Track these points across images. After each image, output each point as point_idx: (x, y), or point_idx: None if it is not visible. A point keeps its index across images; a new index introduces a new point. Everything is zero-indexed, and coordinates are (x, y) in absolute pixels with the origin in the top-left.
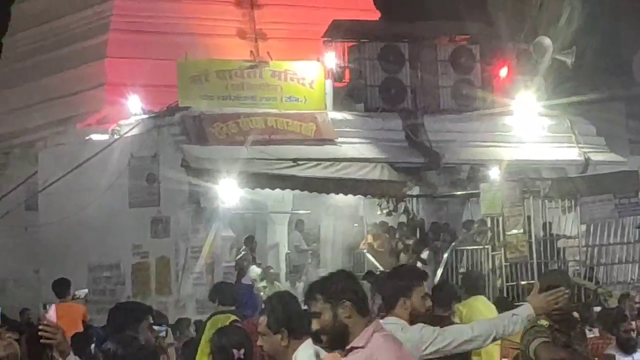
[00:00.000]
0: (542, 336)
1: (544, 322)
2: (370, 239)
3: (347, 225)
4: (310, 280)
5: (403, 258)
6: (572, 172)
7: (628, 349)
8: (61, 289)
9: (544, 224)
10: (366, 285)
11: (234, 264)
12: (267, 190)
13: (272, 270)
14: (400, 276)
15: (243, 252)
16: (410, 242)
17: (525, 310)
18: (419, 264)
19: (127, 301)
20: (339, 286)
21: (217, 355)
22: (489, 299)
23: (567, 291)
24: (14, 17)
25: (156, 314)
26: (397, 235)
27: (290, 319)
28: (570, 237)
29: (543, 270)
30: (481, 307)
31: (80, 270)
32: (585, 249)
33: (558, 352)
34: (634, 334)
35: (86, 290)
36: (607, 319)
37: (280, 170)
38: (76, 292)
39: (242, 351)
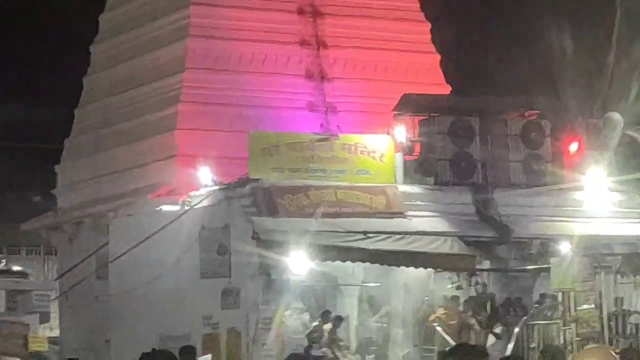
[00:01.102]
0: None
1: None
2: (440, 312)
3: (418, 299)
4: (381, 354)
5: (475, 332)
6: None
7: None
8: (187, 357)
9: (616, 299)
10: None
11: (305, 335)
12: (337, 262)
13: (342, 343)
14: (461, 354)
15: (315, 324)
16: (481, 316)
17: None
18: (491, 338)
19: None
20: None
21: None
22: None
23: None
24: (85, 89)
25: None
26: (467, 309)
27: None
28: None
29: (615, 346)
30: None
31: (151, 340)
32: None
33: None
34: None
35: (209, 356)
36: None
37: (350, 242)
38: (199, 359)
39: None
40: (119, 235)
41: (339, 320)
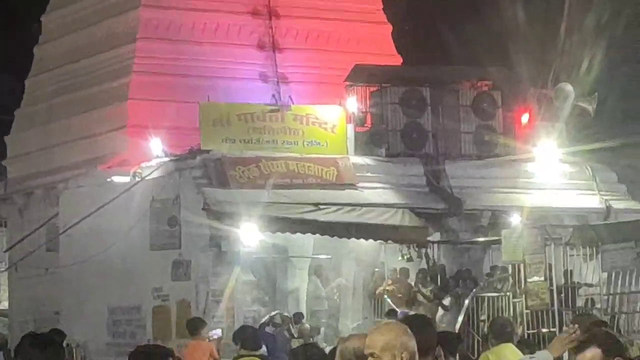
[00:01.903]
0: None
1: None
2: (389, 284)
3: (368, 271)
4: (331, 326)
5: (423, 305)
6: (593, 220)
7: None
8: (193, 327)
9: (565, 272)
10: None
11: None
12: (288, 234)
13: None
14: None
15: (284, 315)
16: (430, 288)
17: (543, 354)
18: (440, 310)
19: (147, 344)
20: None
21: None
22: None
23: (577, 327)
24: (37, 58)
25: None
26: (417, 282)
27: None
28: (591, 285)
29: (564, 319)
30: (510, 356)
31: (101, 312)
32: (606, 297)
33: None
34: None
35: (219, 331)
36: None
37: (301, 214)
38: (211, 332)
39: None
40: (70, 206)
41: (299, 316)
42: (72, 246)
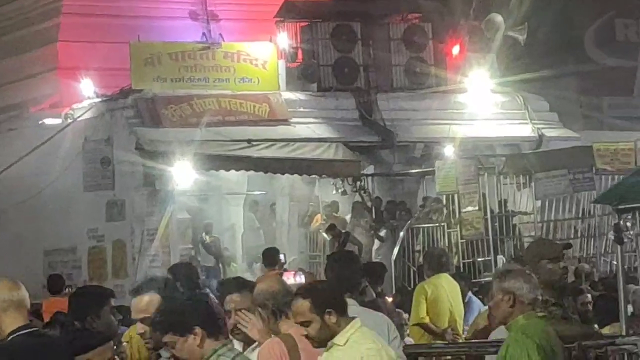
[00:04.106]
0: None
1: None
2: (321, 219)
3: (303, 206)
4: None
5: (362, 236)
6: (525, 149)
7: (585, 322)
8: (56, 285)
9: (499, 201)
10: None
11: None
12: (222, 171)
13: (228, 254)
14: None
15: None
16: (366, 219)
17: None
18: (376, 243)
19: (88, 285)
20: None
21: None
22: None
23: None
24: None
25: None
26: (353, 215)
27: None
28: (525, 213)
29: (499, 247)
30: (445, 285)
31: (36, 255)
32: (540, 224)
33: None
34: (590, 307)
35: None
36: (564, 293)
37: (235, 151)
38: None
39: None
40: (1, 150)
41: (209, 226)
42: (5, 190)
